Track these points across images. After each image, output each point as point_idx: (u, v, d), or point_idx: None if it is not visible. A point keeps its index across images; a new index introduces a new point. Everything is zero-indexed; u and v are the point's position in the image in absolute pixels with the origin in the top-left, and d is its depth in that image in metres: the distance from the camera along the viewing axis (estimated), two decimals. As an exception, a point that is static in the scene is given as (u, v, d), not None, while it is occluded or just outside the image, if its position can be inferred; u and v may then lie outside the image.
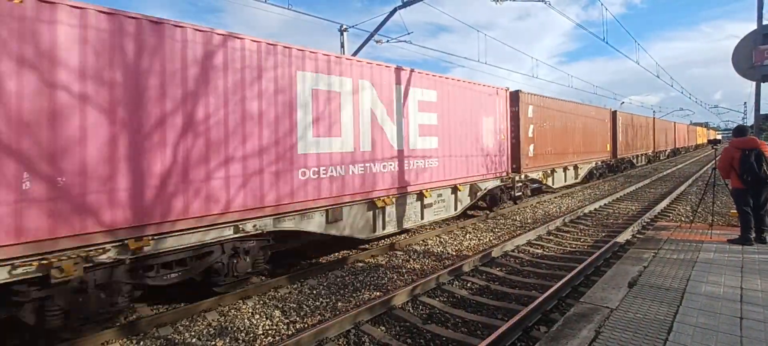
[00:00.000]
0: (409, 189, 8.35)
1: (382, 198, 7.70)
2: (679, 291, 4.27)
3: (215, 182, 5.38)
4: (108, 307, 4.61)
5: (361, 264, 7.32)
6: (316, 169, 6.60)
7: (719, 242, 6.19)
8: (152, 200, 4.82)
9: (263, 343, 4.60)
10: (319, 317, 5.22)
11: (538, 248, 8.23)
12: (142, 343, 4.63)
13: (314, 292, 6.02)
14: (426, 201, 8.79)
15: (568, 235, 9.33)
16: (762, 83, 8.01)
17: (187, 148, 5.14)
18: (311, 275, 6.68)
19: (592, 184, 18.83)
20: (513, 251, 7.97)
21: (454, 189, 9.61)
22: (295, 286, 6.25)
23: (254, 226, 5.79)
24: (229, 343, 4.59)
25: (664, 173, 23.45)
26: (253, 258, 5.95)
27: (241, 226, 5.64)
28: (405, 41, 13.08)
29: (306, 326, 4.96)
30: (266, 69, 5.97)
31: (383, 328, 4.85)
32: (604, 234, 9.21)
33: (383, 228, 7.84)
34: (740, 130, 6.07)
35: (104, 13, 4.51)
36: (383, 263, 7.41)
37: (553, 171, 14.60)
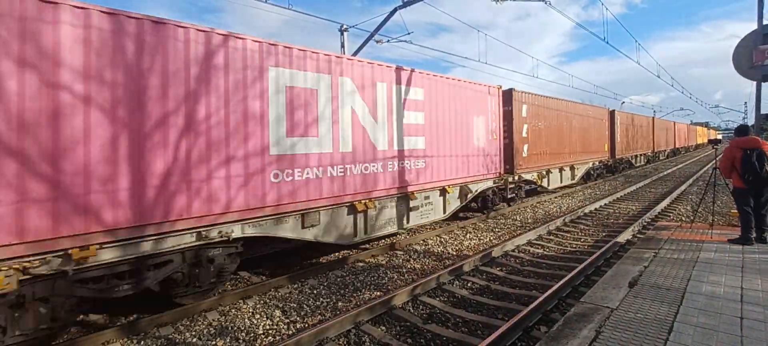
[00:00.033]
0: (394, 192, 7.99)
1: (363, 201, 7.30)
2: (679, 291, 4.27)
3: (175, 186, 4.99)
4: (49, 323, 4.22)
5: (361, 264, 7.32)
6: (290, 171, 6.23)
7: (720, 242, 6.19)
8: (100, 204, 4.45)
9: (264, 343, 4.60)
10: (319, 316, 5.22)
11: (538, 248, 8.23)
12: (142, 343, 4.64)
13: (315, 292, 6.02)
14: (412, 204, 8.43)
15: (569, 235, 9.32)
16: (763, 83, 8.01)
17: (143, 150, 4.73)
18: (312, 274, 6.68)
19: (591, 184, 18.81)
20: (513, 250, 7.97)
21: (443, 191, 9.26)
22: (296, 286, 6.25)
23: (220, 232, 5.40)
24: (230, 343, 4.59)
25: (665, 173, 23.43)
26: (219, 267, 5.54)
27: (204, 233, 5.27)
28: (405, 41, 13.08)
29: (306, 325, 4.97)
30: (232, 65, 5.55)
31: (383, 328, 4.86)
32: (604, 234, 9.21)
33: (365, 232, 7.43)
34: (742, 130, 6.06)
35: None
36: (384, 262, 7.41)
37: (548, 172, 14.31)
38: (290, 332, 4.83)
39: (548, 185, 14.40)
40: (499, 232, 9.73)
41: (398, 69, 8.23)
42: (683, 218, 10.63)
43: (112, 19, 4.56)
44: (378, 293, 5.92)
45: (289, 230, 6.31)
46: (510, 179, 11.84)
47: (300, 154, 6.40)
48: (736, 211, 6.47)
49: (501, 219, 11.15)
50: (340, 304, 5.58)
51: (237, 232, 5.62)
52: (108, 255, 4.53)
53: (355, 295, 5.89)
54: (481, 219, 10.93)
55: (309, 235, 6.54)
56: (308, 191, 6.48)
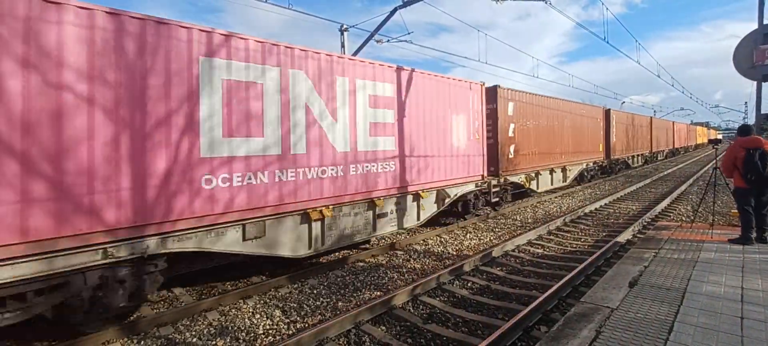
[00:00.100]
0: (358, 198, 7.29)
1: (318, 209, 6.61)
2: (679, 291, 4.27)
3: (71, 194, 4.23)
4: None
5: (361, 264, 7.32)
6: (228, 175, 5.51)
7: (720, 242, 6.18)
8: None
9: (264, 342, 4.60)
10: (319, 316, 5.22)
11: (538, 248, 8.23)
12: (142, 342, 4.64)
13: (315, 291, 6.02)
14: (379, 210, 7.69)
15: (569, 235, 9.32)
16: (763, 83, 8.00)
17: (25, 148, 4.00)
18: (312, 274, 6.68)
19: (591, 184, 18.79)
20: (513, 250, 7.97)
21: (416, 196, 8.58)
22: (296, 285, 6.25)
23: (132, 249, 4.67)
24: (230, 342, 4.59)
25: (665, 173, 23.43)
26: (133, 288, 4.76)
27: (111, 250, 4.50)
28: (405, 41, 13.08)
29: (306, 325, 4.97)
30: (155, 54, 4.86)
31: (384, 328, 4.86)
32: (604, 234, 9.21)
33: (322, 244, 6.74)
34: (744, 130, 6.05)
35: None
36: (384, 262, 7.41)
37: (537, 174, 13.64)
38: (290, 332, 4.83)
39: (538, 187, 13.77)
40: (499, 232, 9.72)
41: (362, 62, 7.52)
42: (683, 218, 10.63)
43: None
44: (378, 293, 5.92)
45: (227, 243, 5.54)
46: (494, 182, 11.12)
47: (240, 157, 5.67)
48: (736, 211, 6.47)
49: (501, 219, 11.15)
50: (340, 304, 5.58)
51: (154, 248, 4.85)
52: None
53: (355, 295, 5.89)
54: (481, 219, 10.92)
55: (252, 248, 5.80)
56: (250, 198, 5.75)
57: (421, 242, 8.79)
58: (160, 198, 4.89)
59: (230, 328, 4.91)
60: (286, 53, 6.30)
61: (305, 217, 6.51)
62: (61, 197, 4.19)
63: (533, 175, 13.37)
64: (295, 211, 6.34)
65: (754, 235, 6.00)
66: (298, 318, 5.17)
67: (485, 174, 10.62)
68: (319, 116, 6.71)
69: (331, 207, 6.82)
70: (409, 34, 12.81)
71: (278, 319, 5.16)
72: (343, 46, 13.70)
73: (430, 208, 9.03)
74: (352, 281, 6.42)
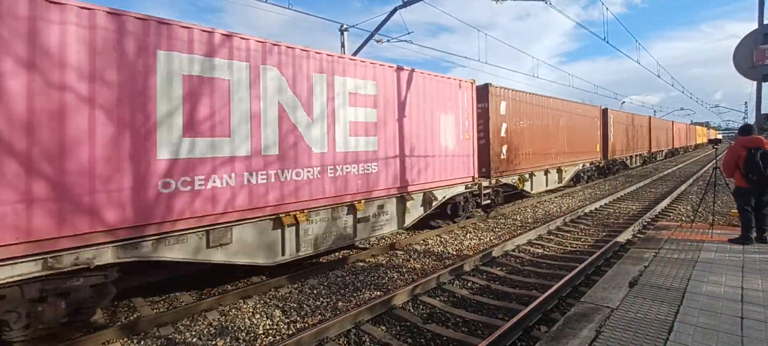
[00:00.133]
0: (337, 201, 6.91)
1: (292, 214, 6.24)
2: (679, 291, 4.27)
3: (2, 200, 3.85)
4: None
5: (361, 264, 7.32)
6: (189, 178, 5.12)
7: (720, 242, 6.18)
8: None
9: (264, 342, 4.60)
10: (319, 316, 5.22)
11: (538, 248, 8.23)
12: (142, 342, 4.64)
13: (315, 291, 6.02)
14: (360, 214, 7.31)
15: (569, 234, 9.33)
16: (763, 83, 8.00)
17: None
18: (312, 274, 6.68)
19: (592, 184, 18.79)
20: (513, 250, 7.97)
21: (401, 199, 8.16)
22: (296, 285, 6.25)
23: (76, 259, 4.27)
24: (230, 342, 4.59)
25: (665, 173, 23.43)
26: (78, 302, 4.40)
27: (51, 260, 4.13)
28: (405, 41, 13.08)
29: (306, 325, 4.97)
30: (104, 47, 4.49)
31: (384, 327, 4.86)
32: (604, 234, 9.21)
33: (297, 250, 6.36)
34: (746, 129, 6.05)
35: None
36: (384, 262, 7.41)
37: (531, 175, 13.26)
38: (290, 332, 4.83)
39: (532, 189, 13.40)
40: (499, 232, 9.72)
41: (341, 58, 7.13)
42: (683, 218, 10.63)
43: None
44: (378, 293, 5.92)
45: (188, 250, 5.17)
46: (485, 184, 10.68)
47: (204, 159, 5.27)
48: (736, 211, 6.47)
49: (501, 219, 11.15)
50: (340, 304, 5.58)
51: (105, 257, 4.49)
52: None
53: (355, 295, 5.89)
54: (481, 219, 10.92)
55: (219, 256, 5.45)
56: (215, 203, 5.37)
57: (421, 242, 8.79)
58: (113, 204, 4.52)
59: (230, 328, 4.91)
60: (257, 48, 5.89)
61: (278, 222, 6.11)
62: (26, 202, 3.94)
63: (527, 176, 13.05)
64: (265, 216, 5.94)
65: (754, 235, 6.01)
66: (298, 318, 5.18)
67: (476, 175, 10.25)
68: (293, 116, 6.32)
69: (306, 212, 6.42)
70: (409, 34, 12.81)
71: (278, 319, 5.16)
72: (343, 46, 13.70)
73: (415, 211, 8.63)
74: (352, 281, 6.42)
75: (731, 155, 5.93)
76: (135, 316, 5.29)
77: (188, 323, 5.07)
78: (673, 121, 41.00)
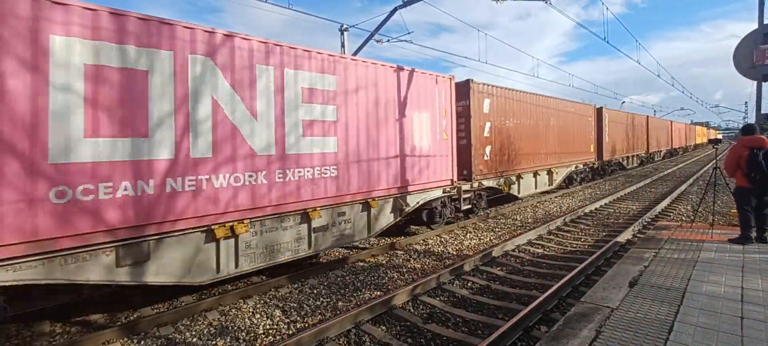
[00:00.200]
0: (286, 209, 6.20)
1: (228, 225, 5.52)
2: (679, 291, 4.27)
3: None
4: None
5: (361, 263, 7.32)
6: (93, 187, 4.41)
7: (720, 242, 6.19)
8: None
9: (264, 342, 4.60)
10: (319, 316, 5.22)
11: (538, 248, 8.23)
12: (143, 342, 4.64)
13: (315, 291, 6.02)
14: (316, 223, 6.63)
15: (569, 234, 9.33)
16: (763, 83, 8.01)
17: None
18: (312, 274, 6.68)
19: (592, 184, 18.79)
20: (513, 250, 7.97)
21: (366, 205, 7.48)
22: (296, 285, 6.26)
23: None
24: (230, 342, 4.60)
25: (665, 173, 23.44)
26: None
27: None
28: (405, 41, 13.08)
29: (307, 325, 4.97)
30: None
31: (384, 327, 4.86)
32: (604, 234, 9.21)
33: (235, 265, 5.66)
34: (748, 129, 6.05)
35: None
36: (384, 262, 7.41)
37: (518, 177, 12.52)
38: (290, 332, 4.83)
39: (519, 192, 12.68)
40: (499, 232, 9.73)
41: (292, 49, 6.37)
42: (683, 218, 10.63)
43: None
44: (378, 293, 5.92)
45: (97, 270, 4.49)
46: (465, 188, 10.01)
47: (114, 163, 4.58)
48: (736, 211, 6.48)
49: (501, 219, 11.15)
50: (340, 304, 5.58)
51: None
52: None
53: (355, 294, 5.89)
54: (481, 219, 10.92)
55: (135, 275, 4.78)
56: (126, 214, 4.65)
57: (421, 241, 8.79)
58: None
59: (230, 328, 4.91)
60: (185, 36, 5.18)
61: (210, 235, 5.40)
62: None
63: (514, 178, 12.36)
64: (192, 229, 5.23)
65: (753, 234, 6.01)
66: (298, 318, 5.18)
67: (455, 178, 9.59)
68: (231, 113, 5.62)
69: (247, 222, 5.72)
70: (409, 34, 12.81)
71: (278, 319, 5.16)
72: (343, 46, 13.71)
73: (384, 218, 7.93)
74: (352, 281, 6.42)
75: (733, 155, 5.93)
76: (135, 316, 5.29)
77: (188, 322, 5.07)
78: (671, 121, 40.47)
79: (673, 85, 31.07)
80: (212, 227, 5.39)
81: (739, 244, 5.98)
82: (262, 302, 5.68)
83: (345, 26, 13.59)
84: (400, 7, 11.80)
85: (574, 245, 8.37)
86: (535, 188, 13.77)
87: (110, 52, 4.59)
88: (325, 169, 6.80)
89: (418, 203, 8.66)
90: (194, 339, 4.67)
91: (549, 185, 14.71)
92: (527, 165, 13.01)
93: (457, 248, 8.36)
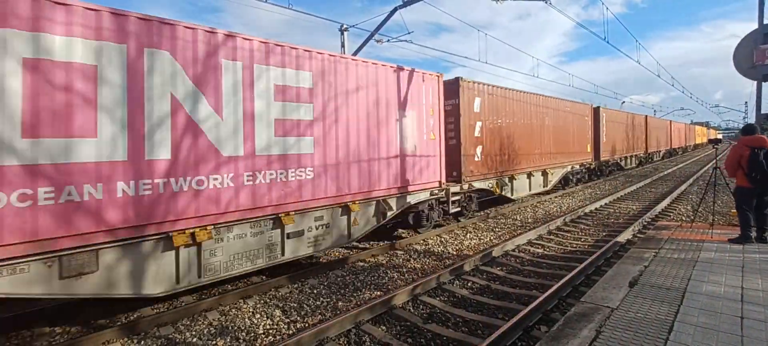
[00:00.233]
0: (256, 213, 5.81)
1: (189, 232, 5.09)
2: (679, 291, 4.27)
3: None
4: None
5: (361, 263, 7.32)
6: (29, 192, 4.04)
7: (720, 242, 6.19)
8: None
9: (264, 342, 4.60)
10: (319, 316, 5.22)
11: (538, 248, 8.23)
12: (143, 342, 4.64)
13: (315, 291, 6.02)
14: (289, 228, 6.21)
15: (569, 234, 9.33)
16: (763, 83, 8.01)
17: None
18: (312, 274, 6.68)
19: (593, 184, 18.79)
20: (514, 250, 7.97)
21: (346, 209, 7.07)
22: (296, 285, 6.26)
23: None
24: (230, 342, 4.60)
25: (665, 173, 23.44)
26: None
27: None
28: (406, 41, 13.09)
29: (307, 325, 4.97)
30: None
31: (384, 327, 4.86)
32: (604, 234, 9.21)
33: (199, 275, 5.25)
34: (749, 129, 6.06)
35: None
36: (384, 262, 7.41)
37: (511, 179, 12.09)
38: (291, 332, 4.83)
39: (512, 193, 12.22)
40: (499, 231, 9.73)
41: (263, 43, 5.98)
42: (683, 218, 10.64)
43: None
44: (378, 293, 5.92)
45: (26, 283, 4.04)
46: (455, 190, 9.62)
47: (56, 165, 4.21)
48: (736, 210, 6.49)
49: (501, 219, 11.15)
50: (340, 303, 5.58)
51: None
52: None
53: (355, 294, 5.89)
54: (481, 219, 10.92)
55: (77, 288, 4.36)
56: (69, 222, 4.27)
57: (422, 241, 8.79)
58: None
59: (230, 328, 4.91)
60: (139, 28, 4.75)
61: (168, 243, 4.98)
62: None
63: (506, 180, 11.91)
64: (149, 236, 4.82)
65: (754, 234, 6.02)
66: (299, 318, 5.18)
67: (443, 180, 9.17)
68: (194, 111, 5.21)
69: (210, 228, 5.29)
70: (409, 33, 12.82)
71: (278, 319, 5.16)
72: (343, 45, 13.71)
73: (365, 223, 7.50)
74: (352, 281, 6.42)
75: (734, 155, 5.94)
76: (135, 316, 5.29)
77: (188, 322, 5.07)
78: (671, 121, 40.20)
79: (673, 85, 31.09)
80: (171, 234, 4.97)
81: (739, 244, 5.99)
82: (262, 302, 5.68)
83: (345, 26, 13.60)
84: (400, 7, 11.81)
85: (574, 245, 8.37)
86: (530, 189, 13.39)
87: (52, 44, 4.21)
88: (301, 171, 6.40)
89: (403, 206, 8.26)
90: (194, 339, 4.67)
91: (544, 187, 14.32)
92: (521, 166, 12.62)
93: (457, 248, 8.36)
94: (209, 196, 5.34)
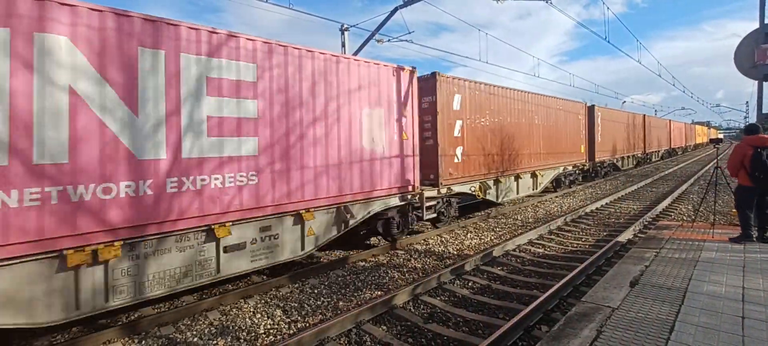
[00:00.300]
0: (181, 225, 5.04)
1: (89, 249, 4.31)
2: (681, 290, 4.27)
3: None
4: None
5: (362, 263, 7.32)
6: None
7: (721, 242, 6.18)
8: None
9: (265, 342, 4.60)
10: (320, 316, 5.22)
11: (539, 248, 8.23)
12: (143, 342, 4.64)
13: (315, 291, 6.02)
14: (226, 241, 5.48)
15: (570, 234, 9.32)
16: (764, 82, 8.00)
17: None
18: (312, 274, 6.68)
19: (594, 183, 18.77)
20: (514, 250, 7.97)
21: (298, 217, 6.32)
22: (297, 285, 6.26)
23: None
24: (231, 342, 4.60)
25: (665, 173, 23.42)
26: None
27: None
28: (406, 40, 13.09)
29: (307, 325, 4.97)
30: None
31: (384, 327, 4.86)
32: (605, 233, 9.21)
33: (106, 299, 4.50)
34: (752, 129, 6.08)
35: None
36: (385, 261, 7.41)
37: (496, 181, 11.29)
38: (291, 332, 4.83)
39: (497, 197, 11.43)
40: (500, 231, 9.72)
41: (193, 29, 5.22)
42: (684, 218, 10.62)
43: None
44: (379, 293, 5.92)
45: None
46: (430, 194, 8.88)
47: None
48: (736, 210, 6.49)
49: (502, 219, 11.15)
50: (341, 303, 5.59)
51: None
52: None
53: (356, 294, 5.89)
54: (482, 218, 10.91)
55: None
56: None
57: (422, 241, 8.79)
58: None
59: (231, 327, 4.92)
60: (28, 10, 4.05)
61: (62, 262, 4.23)
62: None
63: (491, 183, 11.11)
64: (35, 255, 4.06)
65: (755, 233, 6.03)
66: (299, 318, 5.18)
67: (416, 184, 8.43)
68: (100, 108, 4.47)
69: (118, 244, 4.53)
70: (409, 33, 12.82)
71: (279, 318, 5.16)
72: (343, 45, 13.71)
73: (323, 232, 6.75)
74: (352, 281, 6.42)
75: (737, 154, 5.95)
76: (136, 315, 5.29)
77: (189, 322, 5.07)
78: (670, 120, 39.59)
79: (674, 85, 31.07)
80: (65, 252, 4.19)
81: (741, 242, 5.99)
82: (262, 301, 5.68)
83: (345, 26, 13.60)
84: (401, 6, 11.81)
85: (575, 245, 8.37)
86: (517, 192, 12.60)
87: None
88: (241, 176, 5.63)
89: (369, 212, 7.47)
90: (195, 339, 4.68)
91: (533, 189, 13.58)
92: (507, 168, 11.82)
93: (458, 247, 8.36)
94: (120, 206, 4.57)
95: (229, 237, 5.49)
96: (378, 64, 7.75)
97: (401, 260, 7.53)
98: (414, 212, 8.59)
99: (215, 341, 4.60)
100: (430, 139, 9.35)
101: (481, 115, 10.76)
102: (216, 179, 5.39)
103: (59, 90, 4.23)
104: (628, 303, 4.00)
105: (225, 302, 5.59)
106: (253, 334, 4.77)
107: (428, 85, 9.34)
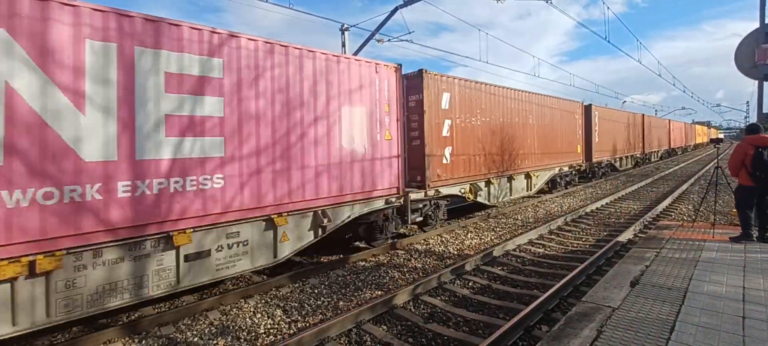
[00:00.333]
0: (136, 232, 4.65)
1: (24, 259, 3.92)
2: (681, 290, 4.27)
3: None
4: None
5: (362, 263, 7.32)
6: None
7: (722, 242, 6.18)
8: None
9: (265, 342, 4.60)
10: (320, 316, 5.22)
11: (539, 247, 8.22)
12: (143, 342, 4.64)
13: (316, 291, 6.02)
14: (187, 249, 5.06)
15: (570, 234, 9.32)
16: (764, 82, 7.99)
17: None
18: (313, 274, 6.68)
19: (594, 183, 18.77)
20: (515, 250, 7.97)
21: (270, 223, 5.93)
22: (297, 285, 6.26)
23: None
24: (231, 342, 4.60)
25: (666, 173, 23.42)
26: None
27: None
28: (406, 40, 13.09)
29: (308, 325, 4.97)
30: None
31: (385, 327, 4.86)
32: (605, 233, 9.21)
33: (47, 314, 4.09)
34: (753, 128, 6.08)
35: None
36: (385, 261, 7.41)
37: (488, 183, 10.89)
38: (291, 332, 4.83)
39: (488, 199, 11.04)
40: (500, 231, 9.72)
41: (150, 21, 4.78)
42: (685, 218, 10.62)
43: None
44: (379, 293, 5.92)
45: None
46: (415, 197, 8.56)
47: None
48: (736, 209, 6.49)
49: (502, 218, 11.14)
50: (341, 303, 5.59)
51: None
52: None
53: (356, 294, 5.89)
54: (482, 218, 10.91)
55: None
56: None
57: (423, 241, 8.79)
58: None
59: (231, 327, 4.92)
60: None
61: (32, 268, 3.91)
62: None
63: (482, 185, 10.71)
64: None
65: (755, 233, 6.03)
66: (300, 317, 5.18)
67: (402, 186, 8.03)
68: (40, 105, 4.06)
69: (60, 254, 4.10)
70: (409, 33, 12.82)
71: (279, 318, 5.16)
72: (343, 45, 13.72)
73: (297, 238, 6.33)
74: (353, 281, 6.42)
75: (738, 154, 5.96)
76: (136, 315, 5.29)
77: (189, 322, 5.07)
78: (669, 120, 39.32)
79: (674, 85, 31.11)
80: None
81: (741, 242, 6.00)
82: (263, 301, 5.68)
83: (346, 26, 13.60)
84: (401, 6, 11.82)
85: (575, 245, 8.37)
86: (510, 194, 12.11)
87: None
88: (205, 178, 5.22)
89: (348, 217, 7.09)
90: (195, 339, 4.68)
91: (527, 191, 13.14)
92: (499, 169, 11.36)
93: (458, 247, 8.36)
94: (62, 212, 4.13)
95: (188, 245, 5.08)
96: (359, 60, 7.35)
97: (401, 259, 7.53)
98: (400, 216, 8.26)
99: (215, 341, 4.61)
100: (417, 139, 8.97)
101: (471, 114, 10.39)
102: (176, 182, 4.97)
103: None
104: (629, 303, 4.00)
105: (225, 301, 5.59)
106: (254, 334, 4.77)
107: (415, 83, 8.99)
